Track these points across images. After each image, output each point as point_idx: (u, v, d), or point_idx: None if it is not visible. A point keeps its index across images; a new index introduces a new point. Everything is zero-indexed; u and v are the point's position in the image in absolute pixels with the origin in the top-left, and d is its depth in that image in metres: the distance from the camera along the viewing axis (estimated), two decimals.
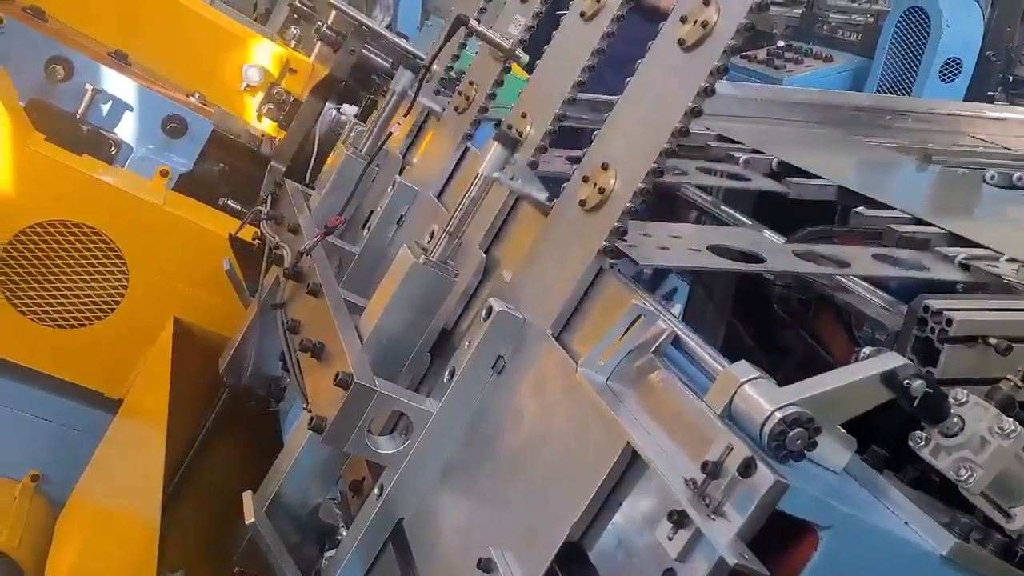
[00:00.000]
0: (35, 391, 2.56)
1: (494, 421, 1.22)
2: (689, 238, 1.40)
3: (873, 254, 1.48)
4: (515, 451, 1.16)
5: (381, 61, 2.95)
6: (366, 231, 1.86)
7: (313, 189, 2.16)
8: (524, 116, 1.55)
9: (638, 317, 1.09)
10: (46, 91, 2.65)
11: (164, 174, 2.58)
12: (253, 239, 2.14)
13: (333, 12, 2.95)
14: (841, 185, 1.79)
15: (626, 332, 1.09)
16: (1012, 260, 1.46)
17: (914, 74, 4.73)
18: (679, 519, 0.87)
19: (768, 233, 1.68)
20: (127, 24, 2.88)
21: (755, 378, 0.92)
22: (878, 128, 2.59)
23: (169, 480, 1.93)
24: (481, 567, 1.07)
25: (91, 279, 2.47)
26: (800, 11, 5.83)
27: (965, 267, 1.46)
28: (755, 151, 1.97)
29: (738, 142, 2.02)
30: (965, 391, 1.00)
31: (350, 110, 2.65)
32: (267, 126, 3.07)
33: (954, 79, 4.64)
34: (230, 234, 2.40)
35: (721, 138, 2.06)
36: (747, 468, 0.85)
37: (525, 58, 1.76)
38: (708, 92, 1.14)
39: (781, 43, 5.49)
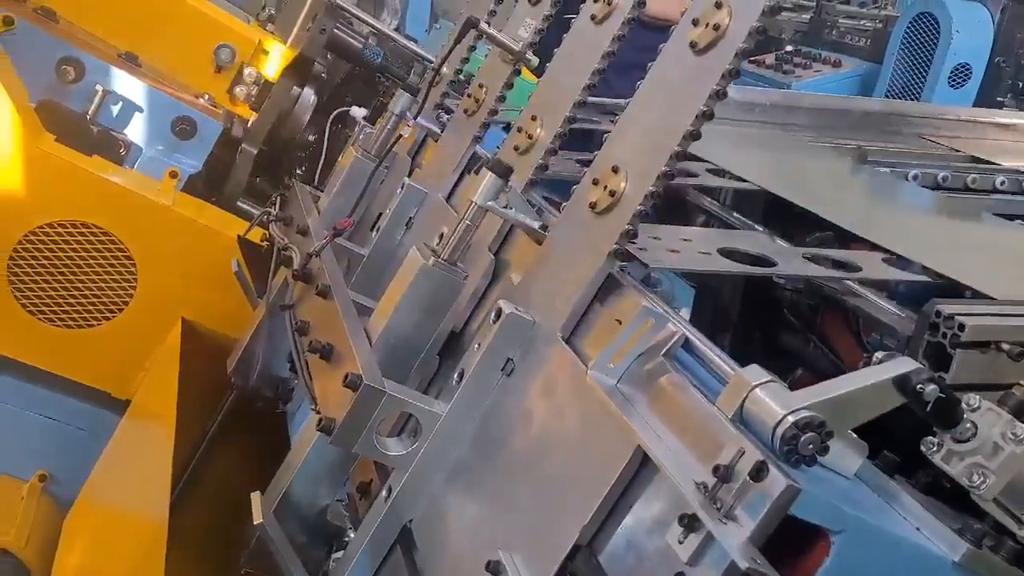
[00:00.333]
0: (43, 391, 2.57)
1: (503, 423, 1.22)
2: (699, 241, 1.40)
3: (883, 257, 1.47)
4: (524, 453, 1.16)
5: (353, 42, 2.94)
6: (375, 233, 1.86)
7: (321, 191, 2.16)
8: (534, 119, 1.55)
9: (649, 320, 1.08)
10: (57, 92, 2.67)
11: (173, 175, 2.59)
12: (261, 240, 2.15)
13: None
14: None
15: (636, 335, 1.09)
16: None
17: (923, 80, 4.73)
18: (690, 523, 0.87)
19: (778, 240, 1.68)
20: (137, 25, 2.90)
21: (767, 382, 0.92)
22: (884, 134, 2.58)
23: (176, 481, 1.94)
24: (490, 570, 1.07)
25: (100, 279, 2.47)
26: (809, 16, 5.82)
27: None
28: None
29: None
30: (978, 396, 1.00)
31: (359, 112, 2.66)
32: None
33: (963, 85, 4.64)
34: (238, 235, 2.41)
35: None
36: (759, 472, 0.84)
37: (535, 61, 1.76)
38: (720, 95, 1.14)
39: (789, 48, 5.48)
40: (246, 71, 2.93)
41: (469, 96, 1.85)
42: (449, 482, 1.25)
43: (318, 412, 1.31)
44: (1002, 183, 2.10)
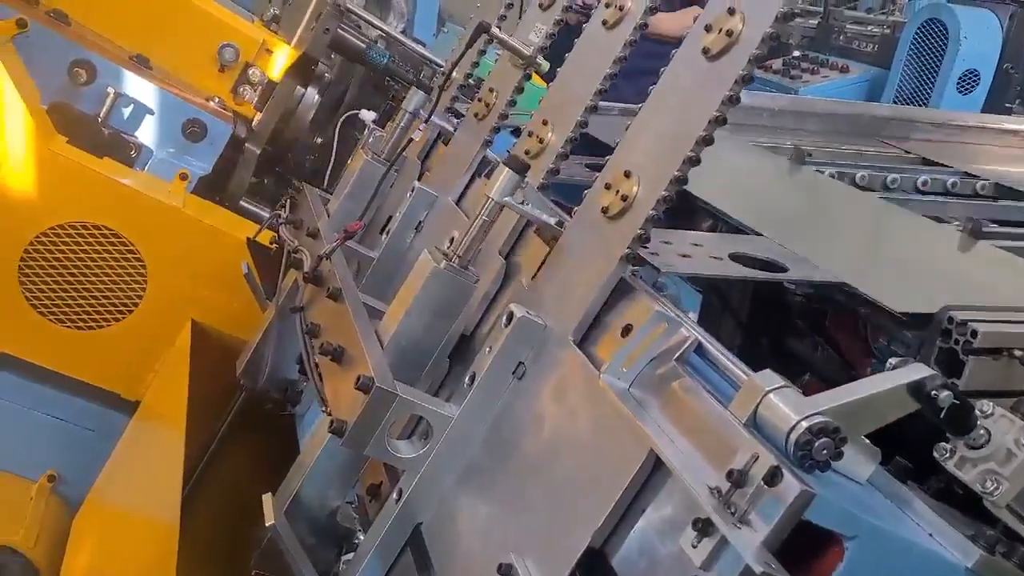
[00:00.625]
0: (51, 391, 2.58)
1: (515, 427, 1.22)
2: (709, 246, 1.40)
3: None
4: (536, 457, 1.16)
5: (357, 42, 2.95)
6: (384, 236, 1.87)
7: (331, 194, 2.17)
8: (545, 123, 1.56)
9: (661, 324, 1.09)
10: (69, 94, 2.68)
11: (183, 177, 2.60)
12: (271, 243, 2.16)
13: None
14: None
15: (649, 339, 1.09)
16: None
17: (931, 86, 4.72)
18: (704, 527, 0.87)
19: None
20: (148, 28, 2.91)
21: (780, 387, 0.92)
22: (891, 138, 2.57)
23: (184, 482, 1.94)
24: (501, 573, 1.07)
25: (110, 281, 2.48)
26: (816, 21, 5.82)
27: None
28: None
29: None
30: (991, 403, 1.00)
31: (369, 115, 2.66)
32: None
33: (972, 91, 4.63)
34: (248, 238, 2.41)
35: None
36: (773, 477, 0.84)
37: (546, 65, 1.77)
38: (733, 101, 1.14)
39: (797, 53, 5.48)
40: (250, 71, 2.94)
41: (479, 100, 1.86)
42: (460, 485, 1.25)
43: (329, 414, 1.31)
44: (953, 184, 2.09)
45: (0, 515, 2.35)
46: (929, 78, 4.76)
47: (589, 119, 1.52)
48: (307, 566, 1.34)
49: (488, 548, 1.16)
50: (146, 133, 2.77)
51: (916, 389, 0.94)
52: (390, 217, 1.91)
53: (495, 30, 1.75)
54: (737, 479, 0.86)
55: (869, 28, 5.55)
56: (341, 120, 2.91)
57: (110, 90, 2.69)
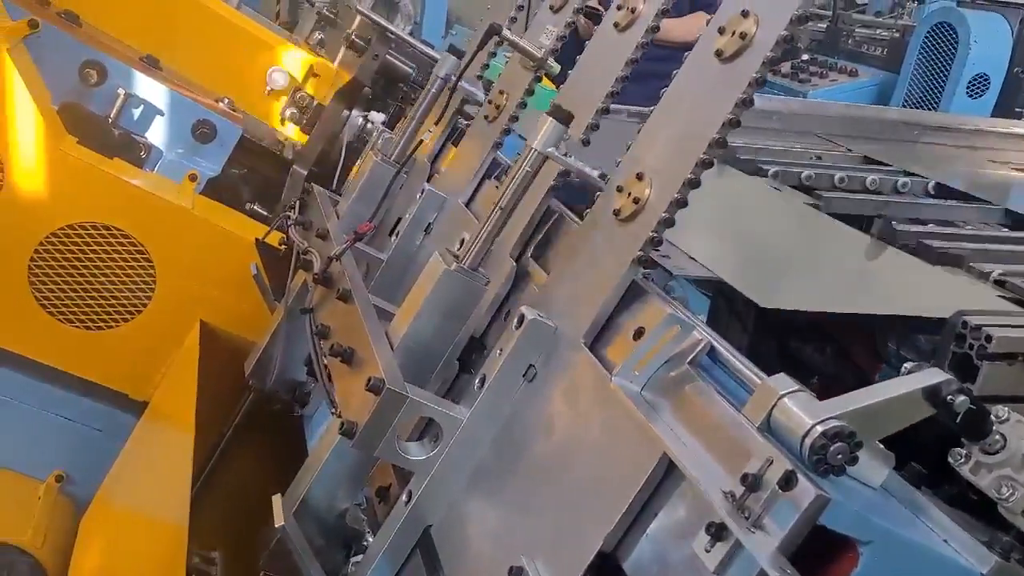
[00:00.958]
0: (60, 391, 2.58)
1: (525, 429, 1.22)
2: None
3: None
4: (547, 459, 1.16)
5: (405, 67, 2.98)
6: (394, 238, 1.87)
7: (340, 195, 2.17)
8: None
9: (674, 327, 1.08)
10: (79, 95, 2.69)
11: (193, 178, 2.60)
12: (280, 244, 2.16)
13: (358, 19, 2.99)
14: None
15: (661, 342, 1.09)
16: None
17: (941, 90, 4.71)
18: (717, 531, 0.87)
19: None
20: (159, 29, 2.92)
21: (794, 391, 0.92)
22: (901, 143, 2.56)
23: (193, 482, 1.94)
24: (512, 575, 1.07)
25: (119, 281, 2.49)
26: (825, 25, 5.81)
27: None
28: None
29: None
30: (1007, 408, 0.99)
31: (378, 117, 2.67)
32: (292, 131, 3.11)
33: (982, 95, 4.62)
34: (257, 239, 2.42)
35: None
36: (788, 481, 0.84)
37: (556, 68, 1.77)
38: (746, 103, 1.14)
39: (806, 57, 5.47)
40: (298, 95, 2.99)
41: (490, 102, 1.86)
42: (470, 487, 1.25)
43: (338, 416, 1.31)
44: (904, 185, 2.09)
45: (8, 515, 2.36)
46: (939, 82, 4.74)
47: (600, 121, 1.51)
48: (316, 567, 1.34)
49: (498, 551, 1.15)
50: (156, 134, 2.78)
51: (932, 394, 0.93)
52: (399, 219, 1.91)
53: (506, 32, 1.75)
54: (751, 483, 0.86)
55: (878, 32, 5.54)
56: (346, 122, 2.92)
57: (120, 91, 2.70)
